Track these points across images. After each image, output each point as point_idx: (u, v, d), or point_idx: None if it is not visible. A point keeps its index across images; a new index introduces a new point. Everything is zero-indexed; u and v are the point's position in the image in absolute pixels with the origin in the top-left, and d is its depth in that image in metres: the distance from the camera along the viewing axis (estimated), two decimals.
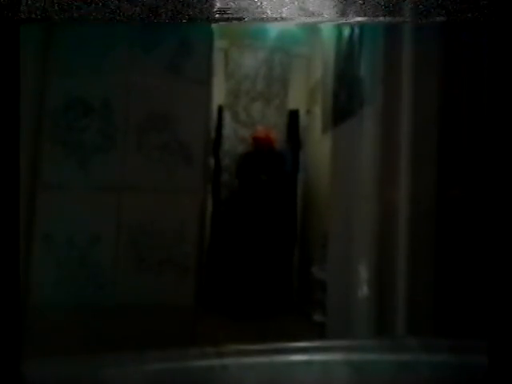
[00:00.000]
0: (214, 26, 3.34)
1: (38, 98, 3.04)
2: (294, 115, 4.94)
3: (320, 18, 1.72)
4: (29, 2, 1.58)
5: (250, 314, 3.78)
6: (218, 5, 1.68)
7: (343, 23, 2.95)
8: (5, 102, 1.47)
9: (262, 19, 1.71)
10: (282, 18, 1.71)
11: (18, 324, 1.42)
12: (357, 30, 2.97)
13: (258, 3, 1.69)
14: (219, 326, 3.63)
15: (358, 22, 1.74)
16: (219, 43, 4.18)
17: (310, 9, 1.71)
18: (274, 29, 4.58)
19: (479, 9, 1.47)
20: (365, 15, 1.69)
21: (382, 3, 1.69)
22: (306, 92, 5.04)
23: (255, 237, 3.86)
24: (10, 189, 1.45)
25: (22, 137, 1.49)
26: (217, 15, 1.68)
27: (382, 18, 1.72)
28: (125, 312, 2.93)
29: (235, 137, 4.87)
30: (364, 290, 2.73)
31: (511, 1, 1.42)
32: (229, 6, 1.68)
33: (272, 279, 3.87)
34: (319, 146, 4.24)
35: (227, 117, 4.91)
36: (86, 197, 3.06)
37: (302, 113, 4.95)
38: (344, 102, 3.24)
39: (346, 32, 3.14)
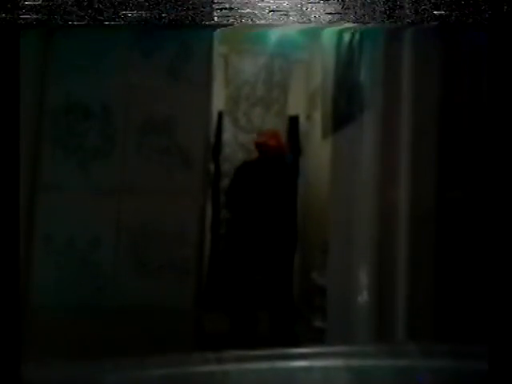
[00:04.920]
0: (213, 31, 3.35)
1: (38, 100, 3.05)
2: (293, 121, 4.94)
3: (319, 24, 1.72)
4: (29, 7, 1.59)
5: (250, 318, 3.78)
6: (218, 10, 1.69)
7: (343, 28, 2.95)
8: (5, 105, 1.47)
9: (262, 25, 1.71)
10: (282, 24, 1.71)
11: (17, 325, 1.42)
12: (356, 35, 2.97)
13: (259, 9, 1.69)
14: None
15: (358, 26, 1.75)
16: (219, 48, 4.17)
17: (310, 15, 1.72)
18: (273, 34, 4.58)
19: (479, 11, 1.48)
20: (364, 20, 1.69)
21: (381, 8, 1.69)
22: (306, 97, 5.03)
23: (255, 242, 3.85)
24: (11, 190, 1.44)
25: (22, 139, 1.49)
26: (216, 20, 1.69)
27: (381, 23, 1.72)
28: (124, 314, 2.92)
29: (235, 142, 4.87)
30: (364, 296, 2.73)
31: (511, 2, 1.42)
32: (228, 12, 1.68)
33: (272, 284, 3.86)
34: (319, 151, 4.23)
35: (227, 122, 4.91)
36: (86, 199, 3.06)
37: (301, 118, 4.95)
38: (344, 107, 3.24)
39: (346, 37, 3.14)
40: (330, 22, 1.74)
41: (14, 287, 1.41)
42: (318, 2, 1.75)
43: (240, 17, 1.73)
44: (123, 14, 1.75)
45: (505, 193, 1.43)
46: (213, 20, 1.73)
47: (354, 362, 1.92)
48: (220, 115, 4.74)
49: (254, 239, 3.87)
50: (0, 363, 1.39)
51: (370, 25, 1.72)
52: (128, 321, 2.88)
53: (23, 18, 1.61)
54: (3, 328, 1.40)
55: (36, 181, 3.00)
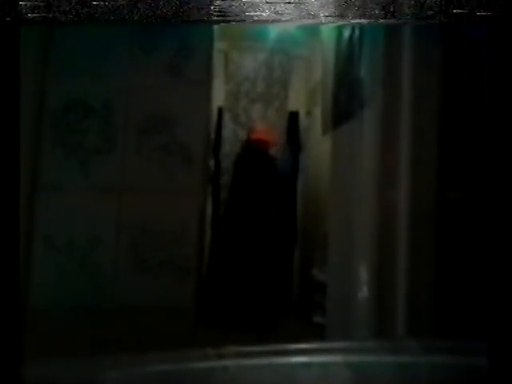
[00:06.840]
0: (213, 27, 3.34)
1: (38, 99, 3.05)
2: (294, 117, 4.94)
3: (320, 20, 1.72)
4: (29, 3, 1.58)
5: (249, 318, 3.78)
6: (218, 6, 1.68)
7: (343, 24, 2.95)
8: (5, 103, 1.47)
9: (262, 21, 1.71)
10: (282, 20, 1.71)
11: (17, 325, 1.42)
12: (357, 32, 2.96)
13: (258, 4, 1.69)
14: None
15: (358, 23, 1.74)
16: (219, 45, 4.17)
17: (310, 10, 1.71)
18: (273, 30, 4.58)
19: (479, 8, 1.47)
20: (364, 16, 1.69)
21: (381, 4, 1.69)
22: (306, 93, 5.03)
23: (255, 239, 3.85)
24: (10, 190, 1.44)
25: (22, 138, 1.49)
26: (217, 17, 1.68)
27: (381, 20, 1.72)
28: (124, 313, 2.93)
29: (235, 138, 4.86)
30: (364, 292, 2.73)
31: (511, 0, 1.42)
32: (229, 8, 1.68)
33: (272, 281, 3.87)
34: (319, 147, 4.23)
35: (227, 118, 4.91)
36: (86, 198, 3.07)
37: (302, 114, 4.95)
38: (344, 104, 3.24)
39: (346, 33, 3.13)
40: (331, 18, 1.73)
41: (14, 287, 1.42)
42: None
43: (240, 12, 1.73)
44: (121, 11, 1.74)
45: (505, 192, 1.43)
46: (212, 16, 1.72)
47: (354, 358, 1.92)
48: (220, 111, 4.74)
49: (254, 236, 3.87)
50: (0, 363, 1.39)
51: (370, 21, 1.71)
52: (128, 320, 2.88)
53: (23, 15, 1.60)
54: (3, 328, 1.40)
55: (36, 180, 3.00)
